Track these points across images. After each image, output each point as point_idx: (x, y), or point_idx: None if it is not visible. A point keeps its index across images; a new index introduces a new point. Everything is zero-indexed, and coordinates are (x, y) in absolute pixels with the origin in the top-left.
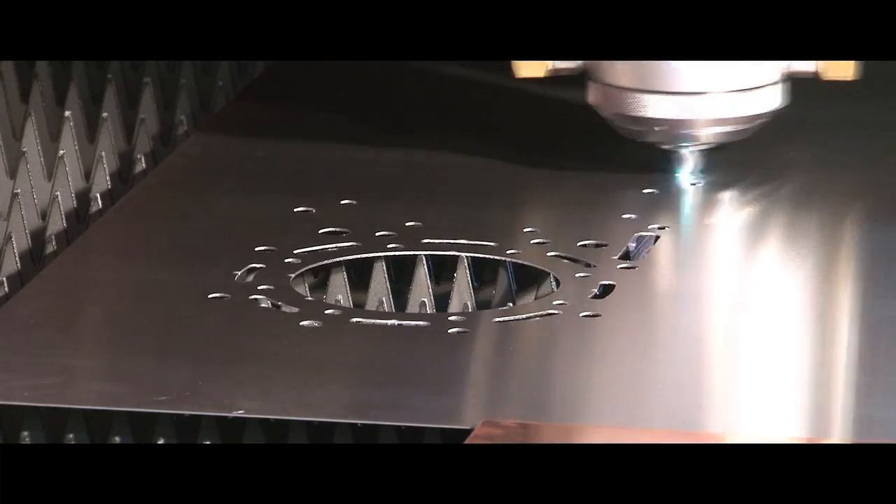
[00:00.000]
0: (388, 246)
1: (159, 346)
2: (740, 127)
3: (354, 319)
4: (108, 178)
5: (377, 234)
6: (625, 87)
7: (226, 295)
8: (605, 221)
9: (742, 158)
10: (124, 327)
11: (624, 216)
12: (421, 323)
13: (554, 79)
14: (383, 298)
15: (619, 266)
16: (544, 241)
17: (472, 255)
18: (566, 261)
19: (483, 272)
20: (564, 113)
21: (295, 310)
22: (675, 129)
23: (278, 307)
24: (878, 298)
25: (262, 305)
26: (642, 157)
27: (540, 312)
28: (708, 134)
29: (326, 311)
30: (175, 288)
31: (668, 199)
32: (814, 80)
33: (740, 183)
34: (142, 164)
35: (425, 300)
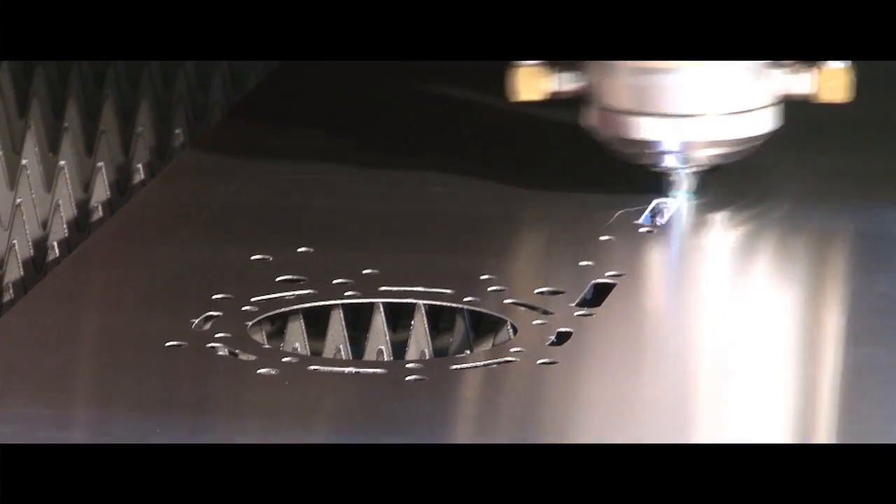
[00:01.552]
0: (345, 294)
1: (115, 394)
2: (735, 149)
3: (312, 367)
4: (64, 225)
5: (334, 281)
6: (618, 110)
7: (183, 343)
8: (562, 268)
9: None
10: (80, 376)
11: (581, 263)
12: (378, 370)
13: (546, 103)
14: (340, 346)
15: (576, 313)
16: (501, 288)
17: (428, 302)
18: (523, 308)
19: (440, 320)
20: (531, 156)
21: (252, 357)
22: (669, 152)
23: (235, 355)
24: (867, 314)
25: (220, 353)
26: (601, 201)
27: (497, 360)
28: (702, 156)
29: (283, 359)
30: (132, 336)
31: (624, 245)
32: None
33: (702, 223)
34: (99, 213)
35: (382, 348)
